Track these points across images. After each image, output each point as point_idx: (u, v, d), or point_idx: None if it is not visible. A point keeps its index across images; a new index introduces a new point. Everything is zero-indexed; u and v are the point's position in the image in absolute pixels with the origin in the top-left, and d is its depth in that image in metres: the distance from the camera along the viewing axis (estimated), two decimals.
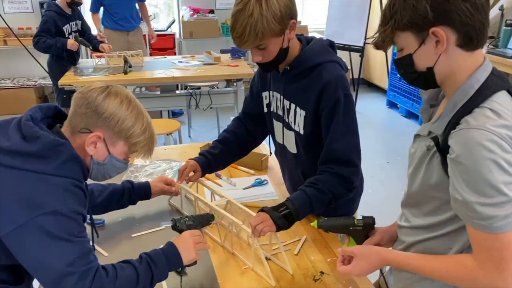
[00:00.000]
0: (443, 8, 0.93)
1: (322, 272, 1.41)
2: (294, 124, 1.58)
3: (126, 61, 3.89)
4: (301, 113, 1.53)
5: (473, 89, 0.97)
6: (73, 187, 1.09)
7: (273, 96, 1.66)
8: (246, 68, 4.11)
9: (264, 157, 2.12)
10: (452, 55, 0.98)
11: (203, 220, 1.44)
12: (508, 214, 0.89)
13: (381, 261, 1.11)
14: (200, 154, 1.82)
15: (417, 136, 1.14)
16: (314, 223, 1.33)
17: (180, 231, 1.32)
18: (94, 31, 4.63)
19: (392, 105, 5.82)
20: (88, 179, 1.24)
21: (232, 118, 5.16)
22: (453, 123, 0.96)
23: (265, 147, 2.12)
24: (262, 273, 1.40)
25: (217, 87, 4.76)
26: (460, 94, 0.98)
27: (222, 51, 4.58)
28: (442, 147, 0.99)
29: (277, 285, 1.36)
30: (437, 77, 1.01)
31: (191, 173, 1.76)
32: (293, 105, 1.56)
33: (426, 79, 1.03)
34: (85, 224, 1.14)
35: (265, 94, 1.72)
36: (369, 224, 1.30)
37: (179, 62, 4.32)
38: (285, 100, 1.58)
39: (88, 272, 1.04)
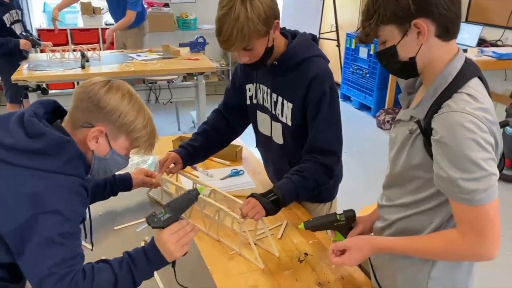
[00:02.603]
0: (424, 2, 1.03)
1: (306, 254, 1.49)
2: (282, 116, 1.64)
3: (83, 55, 3.79)
4: (288, 106, 1.60)
5: (451, 76, 1.08)
6: (77, 187, 1.09)
7: (259, 88, 1.71)
8: (207, 61, 4.12)
9: (238, 148, 2.17)
10: (432, 45, 1.08)
11: (185, 202, 1.24)
12: (487, 187, 1.01)
13: (372, 249, 1.20)
14: (180, 146, 1.85)
15: (397, 121, 1.24)
16: (301, 226, 1.39)
17: (161, 228, 1.17)
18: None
19: (345, 98, 6.03)
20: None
21: (192, 112, 5.14)
22: (435, 108, 1.06)
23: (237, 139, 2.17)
24: (250, 257, 1.46)
25: (174, 81, 4.74)
26: (440, 80, 1.09)
27: (181, 45, 4.56)
28: (425, 130, 1.09)
29: (265, 267, 1.42)
30: (418, 65, 1.11)
31: (172, 165, 1.79)
32: (280, 98, 1.62)
33: (408, 68, 1.12)
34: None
35: (249, 86, 1.77)
36: (350, 216, 1.39)
37: (137, 56, 4.25)
38: (272, 93, 1.65)
39: (68, 275, 1.03)
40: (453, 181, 1.01)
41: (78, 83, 5.36)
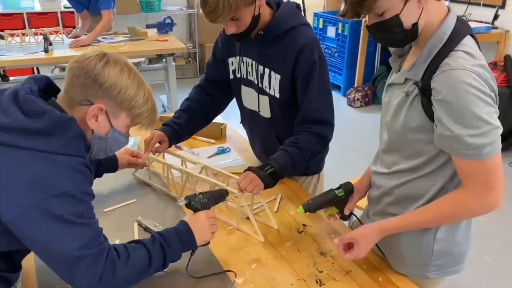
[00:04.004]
0: None
1: (304, 225, 1.49)
2: (269, 88, 1.61)
3: (46, 39, 3.60)
4: (276, 77, 1.57)
5: (446, 35, 1.08)
6: (80, 166, 1.02)
7: (242, 61, 1.67)
8: (177, 42, 4.02)
9: (222, 125, 2.13)
10: (429, 7, 1.08)
11: (218, 197, 1.34)
12: (493, 140, 1.02)
13: (380, 235, 1.19)
14: (164, 124, 1.79)
15: (389, 85, 1.23)
16: (300, 209, 1.32)
17: (195, 210, 1.24)
18: None
19: None
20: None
21: (161, 96, 5.02)
22: (432, 68, 1.06)
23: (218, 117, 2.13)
24: (249, 231, 1.44)
25: (142, 64, 4.60)
26: (435, 40, 1.08)
27: (148, 26, 4.42)
28: (424, 91, 1.08)
29: (266, 240, 1.41)
30: (419, 30, 1.10)
31: (157, 144, 1.73)
32: (267, 70, 1.59)
33: (410, 36, 1.11)
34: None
35: (231, 60, 1.72)
36: (350, 190, 1.36)
37: (102, 38, 4.09)
38: (259, 65, 1.61)
39: (101, 253, 1.00)
40: (460, 139, 1.02)
41: (38, 69, 5.17)
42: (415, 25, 1.08)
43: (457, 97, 1.01)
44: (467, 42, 1.08)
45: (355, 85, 5.16)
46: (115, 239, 1.39)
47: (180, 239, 1.16)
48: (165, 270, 1.17)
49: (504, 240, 2.87)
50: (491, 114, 1.02)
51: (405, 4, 1.06)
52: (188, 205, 1.25)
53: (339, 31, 5.26)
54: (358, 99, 5.02)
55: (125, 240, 1.37)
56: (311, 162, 1.56)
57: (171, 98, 4.11)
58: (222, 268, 1.27)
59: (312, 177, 1.85)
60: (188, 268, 1.23)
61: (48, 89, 1.12)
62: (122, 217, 1.54)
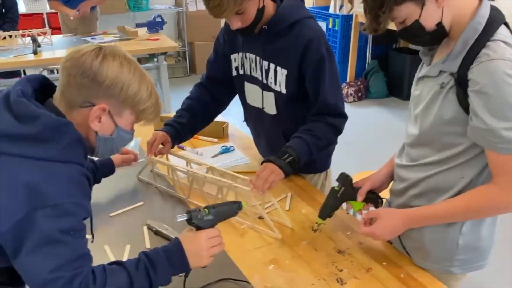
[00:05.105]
0: None
1: (318, 223, 1.45)
2: (275, 84, 1.57)
3: (34, 40, 3.51)
4: (282, 72, 1.53)
5: (481, 25, 1.05)
6: (78, 176, 0.95)
7: (246, 57, 1.63)
8: (168, 41, 3.96)
9: (224, 124, 2.09)
10: (451, 2, 1.06)
11: (227, 212, 1.13)
12: None
13: (404, 220, 1.17)
14: (166, 124, 1.74)
15: (421, 78, 1.21)
16: (320, 220, 1.35)
17: (197, 228, 1.06)
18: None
19: None
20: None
21: None
22: (469, 59, 1.04)
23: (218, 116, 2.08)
24: (264, 229, 1.40)
25: None
26: (470, 32, 1.06)
27: (138, 25, 4.35)
28: (460, 82, 1.06)
29: (280, 240, 1.37)
30: (446, 27, 1.08)
31: (160, 146, 1.69)
32: (272, 65, 1.55)
33: (438, 35, 1.10)
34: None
35: (234, 56, 1.68)
36: (345, 180, 1.34)
37: (91, 39, 4.01)
38: (263, 60, 1.57)
39: (74, 278, 0.90)
40: (494, 132, 1.00)
41: (24, 71, 5.05)
42: (439, 24, 1.07)
43: (496, 87, 0.99)
44: (503, 32, 1.06)
45: (348, 80, 5.15)
46: (125, 244, 1.34)
47: (170, 262, 1.01)
48: None
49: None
50: None
51: (422, 8, 1.05)
52: (189, 222, 1.06)
53: (330, 26, 5.24)
54: (351, 94, 5.01)
55: (137, 245, 1.34)
56: (324, 150, 1.57)
57: (164, 98, 4.05)
58: (239, 271, 1.23)
59: (320, 175, 1.82)
60: (202, 272, 1.14)
61: (45, 89, 1.04)
62: (130, 221, 1.49)
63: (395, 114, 4.66)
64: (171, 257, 1.01)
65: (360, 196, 1.34)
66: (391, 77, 5.13)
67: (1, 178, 0.89)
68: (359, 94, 5.07)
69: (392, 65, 5.14)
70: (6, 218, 0.87)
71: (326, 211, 1.36)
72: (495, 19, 1.07)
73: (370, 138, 4.10)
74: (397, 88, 5.06)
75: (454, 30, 1.10)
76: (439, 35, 1.10)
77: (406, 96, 5.06)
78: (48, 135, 0.92)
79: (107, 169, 1.58)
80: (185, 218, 1.06)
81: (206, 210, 1.08)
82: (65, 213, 0.90)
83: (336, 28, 5.15)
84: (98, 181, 1.55)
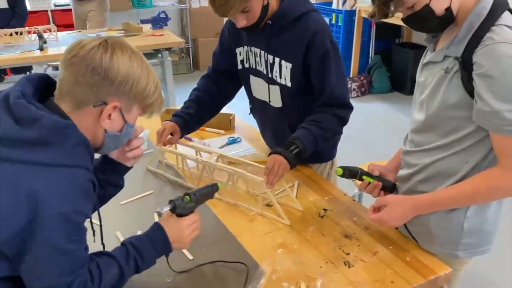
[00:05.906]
0: None
1: (325, 209, 1.48)
2: (280, 78, 1.60)
3: (40, 37, 3.54)
4: (287, 66, 1.56)
5: (486, 9, 1.08)
6: (83, 181, 0.92)
7: (250, 51, 1.65)
8: (173, 36, 3.99)
9: (231, 116, 2.12)
10: None
11: (207, 196, 1.22)
12: None
13: (413, 206, 1.19)
14: (174, 115, 1.77)
15: (425, 65, 1.23)
16: (339, 170, 1.36)
17: (179, 216, 1.12)
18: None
19: None
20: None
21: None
22: (474, 43, 1.06)
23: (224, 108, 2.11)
24: (273, 215, 1.43)
25: None
26: (474, 16, 1.09)
27: (142, 22, 4.38)
28: (464, 66, 1.08)
29: (289, 226, 1.40)
30: (454, 12, 1.11)
31: (169, 136, 1.71)
32: (277, 59, 1.58)
33: (447, 20, 1.12)
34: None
35: (239, 50, 1.70)
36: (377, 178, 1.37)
37: (97, 35, 4.05)
38: (268, 54, 1.59)
39: (74, 281, 0.92)
40: (499, 114, 1.02)
41: (31, 68, 5.09)
42: (448, 9, 1.09)
43: (500, 70, 1.01)
44: (507, 17, 1.08)
45: (351, 75, 5.17)
46: (136, 231, 1.38)
47: (156, 249, 1.08)
48: None
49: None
50: None
51: None
52: (172, 211, 1.12)
53: (333, 22, 5.26)
54: (354, 89, 5.03)
55: None
56: (329, 141, 1.60)
57: (169, 94, 4.08)
58: (249, 255, 1.27)
59: (326, 164, 1.85)
60: (217, 256, 1.22)
61: (47, 88, 1.00)
62: (140, 208, 1.53)
63: (398, 109, 4.68)
64: (157, 245, 1.08)
65: (377, 171, 1.38)
66: (394, 72, 5.15)
67: (2, 185, 0.86)
68: (362, 89, 5.09)
69: (395, 60, 5.15)
70: (8, 226, 0.86)
71: (347, 168, 1.37)
72: (499, 5, 1.09)
73: (373, 132, 4.11)
74: (400, 83, 5.08)
75: (459, 16, 1.12)
76: (448, 19, 1.12)
77: (409, 91, 5.09)
78: (50, 139, 0.88)
79: (117, 172, 1.34)
80: (169, 208, 1.12)
81: (188, 197, 1.14)
82: (67, 222, 0.89)
83: (339, 23, 5.17)
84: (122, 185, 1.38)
